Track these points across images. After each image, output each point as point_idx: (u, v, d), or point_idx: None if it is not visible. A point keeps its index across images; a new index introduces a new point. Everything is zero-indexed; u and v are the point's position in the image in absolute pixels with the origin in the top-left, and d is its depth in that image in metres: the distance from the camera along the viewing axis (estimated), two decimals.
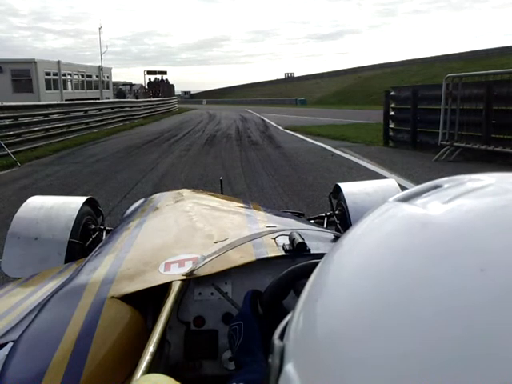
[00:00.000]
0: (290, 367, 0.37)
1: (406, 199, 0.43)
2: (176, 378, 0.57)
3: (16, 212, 2.24)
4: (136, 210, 1.94)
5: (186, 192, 2.03)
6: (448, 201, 0.39)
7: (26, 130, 11.49)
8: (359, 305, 0.35)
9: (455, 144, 8.22)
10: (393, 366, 0.30)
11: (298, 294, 0.85)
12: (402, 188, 2.61)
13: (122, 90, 47.66)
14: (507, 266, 0.31)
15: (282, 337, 0.43)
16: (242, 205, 1.81)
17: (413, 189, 0.46)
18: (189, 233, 1.33)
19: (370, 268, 0.37)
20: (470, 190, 0.41)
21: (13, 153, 9.48)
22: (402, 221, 0.40)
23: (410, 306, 0.32)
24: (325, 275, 0.43)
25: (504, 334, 0.28)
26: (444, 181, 0.45)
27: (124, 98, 37.73)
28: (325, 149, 10.33)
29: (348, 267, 0.40)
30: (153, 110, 28.22)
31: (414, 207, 0.41)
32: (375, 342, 0.32)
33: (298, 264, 0.87)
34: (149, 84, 56.03)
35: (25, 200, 2.34)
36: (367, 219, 0.45)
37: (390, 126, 10.82)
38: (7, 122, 10.62)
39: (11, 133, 10.64)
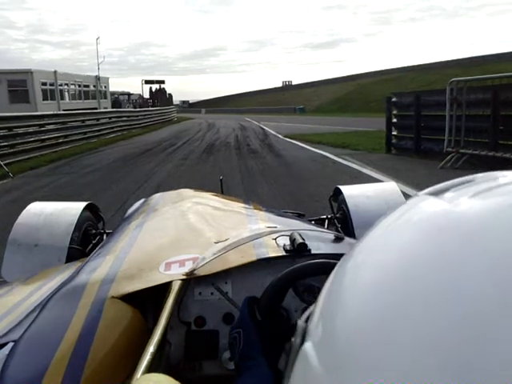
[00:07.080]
0: (309, 345, 0.42)
1: (436, 193, 0.46)
2: (176, 378, 0.57)
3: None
4: (136, 210, 1.94)
5: (186, 192, 2.02)
6: (473, 195, 0.41)
7: (21, 141, 11.30)
8: (374, 298, 0.38)
9: (461, 151, 7.99)
10: (403, 351, 0.32)
11: (298, 293, 0.94)
12: (403, 191, 2.46)
13: (119, 100, 47.46)
14: None
15: (306, 321, 0.47)
16: (242, 205, 1.80)
17: (447, 182, 0.48)
18: (189, 233, 1.33)
19: (388, 267, 0.39)
20: (497, 186, 0.42)
21: (7, 164, 9.27)
22: (422, 223, 0.42)
23: (425, 299, 0.33)
24: (348, 270, 0.45)
25: None
26: (478, 176, 0.48)
27: (120, 107, 37.57)
28: (326, 156, 10.13)
29: (370, 264, 0.43)
30: (151, 120, 28.02)
31: (441, 202, 0.43)
32: (386, 332, 0.34)
33: (292, 266, 0.85)
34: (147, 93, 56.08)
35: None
36: (394, 214, 0.47)
37: (393, 133, 10.61)
38: (1, 132, 10.43)
39: (5, 144, 10.46)
